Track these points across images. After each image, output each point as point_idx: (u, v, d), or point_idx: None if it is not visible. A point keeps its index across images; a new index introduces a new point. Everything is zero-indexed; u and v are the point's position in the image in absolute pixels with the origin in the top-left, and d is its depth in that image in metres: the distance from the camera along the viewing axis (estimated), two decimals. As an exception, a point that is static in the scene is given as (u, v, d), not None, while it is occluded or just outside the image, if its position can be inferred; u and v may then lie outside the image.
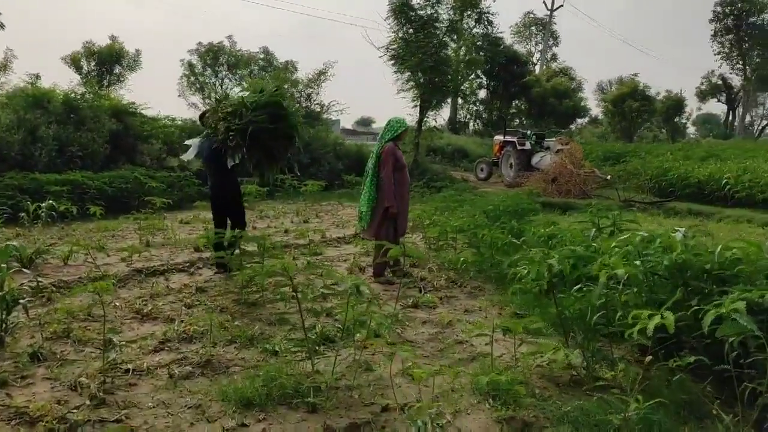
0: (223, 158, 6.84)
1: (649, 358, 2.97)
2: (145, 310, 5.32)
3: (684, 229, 4.33)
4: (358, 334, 4.40)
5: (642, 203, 13.46)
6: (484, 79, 27.09)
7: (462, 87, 20.27)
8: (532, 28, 51.26)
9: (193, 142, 7.67)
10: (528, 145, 18.20)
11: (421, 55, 18.80)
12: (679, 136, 39.65)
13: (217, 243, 6.58)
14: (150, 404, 3.51)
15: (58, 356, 4.19)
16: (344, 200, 14.86)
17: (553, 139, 19.05)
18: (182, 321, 5.00)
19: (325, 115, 21.99)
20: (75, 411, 3.35)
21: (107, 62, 29.15)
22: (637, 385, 2.89)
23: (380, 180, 6.58)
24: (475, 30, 23.52)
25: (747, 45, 53.34)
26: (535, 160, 17.97)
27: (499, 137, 20.02)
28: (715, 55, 54.26)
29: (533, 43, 50.93)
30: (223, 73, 31.78)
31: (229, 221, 7.37)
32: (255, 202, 13.97)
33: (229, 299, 5.79)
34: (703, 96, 56.16)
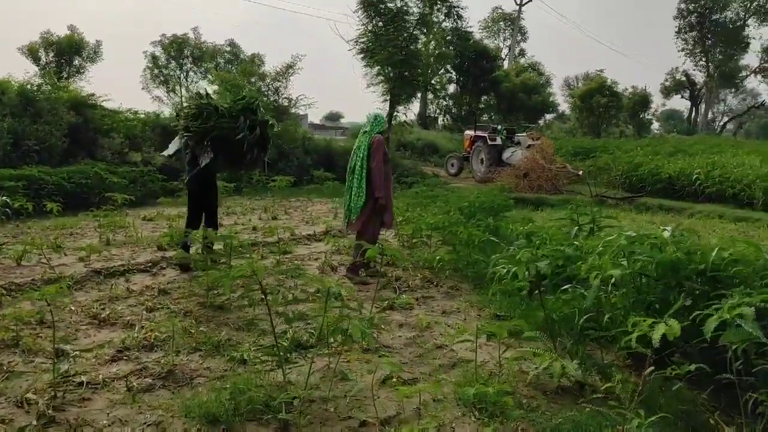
0: (195, 160, 6.94)
1: (650, 369, 2.77)
2: (102, 315, 4.97)
3: (672, 226, 4.17)
4: (332, 340, 4.15)
5: (613, 199, 13.44)
6: (454, 74, 26.94)
7: (432, 81, 20.01)
8: (500, 23, 51.44)
9: (176, 139, 7.59)
10: (499, 141, 18.09)
11: (390, 48, 18.55)
12: (644, 131, 40.15)
13: (184, 242, 6.77)
14: (105, 422, 3.20)
15: (5, 368, 3.83)
16: (313, 196, 14.55)
17: (524, 134, 18.99)
18: (143, 327, 4.67)
19: (293, 110, 21.58)
20: (20, 433, 3.02)
21: (66, 53, 28.21)
22: (636, 397, 2.68)
23: (370, 172, 6.42)
24: (444, 24, 23.39)
25: (710, 42, 54.39)
26: (506, 155, 17.87)
27: (469, 132, 19.87)
28: (678, 51, 55.37)
29: (501, 38, 51.14)
30: (188, 65, 31.11)
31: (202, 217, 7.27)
32: (222, 198, 13.56)
33: (194, 302, 5.47)
34: (667, 92, 57.13)
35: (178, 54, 31.02)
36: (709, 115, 61.33)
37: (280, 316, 4.66)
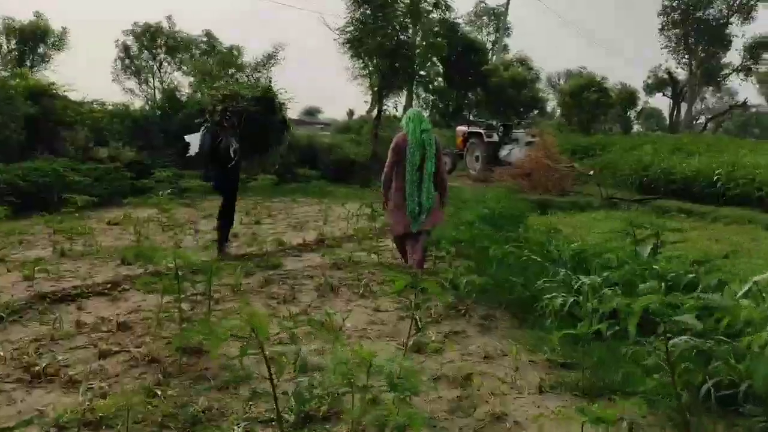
0: (223, 152, 7.36)
1: None
2: (38, 366, 3.72)
3: None
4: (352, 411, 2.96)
5: (626, 201, 12.43)
6: (440, 67, 25.79)
7: (422, 73, 18.86)
8: (484, 18, 50.41)
9: (193, 137, 7.91)
10: (495, 137, 17.00)
11: (380, 38, 17.33)
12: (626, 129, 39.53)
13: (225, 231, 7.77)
14: None
15: None
16: (298, 196, 13.30)
17: (522, 130, 17.93)
18: (90, 386, 3.46)
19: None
20: None
21: (30, 40, 26.45)
22: None
23: (440, 172, 6.56)
24: (432, 15, 22.20)
25: (693, 39, 54.07)
26: (503, 153, 16.79)
27: (462, 128, 18.77)
28: (662, 48, 54.92)
29: (485, 33, 50.07)
30: (162, 56, 29.47)
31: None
32: (199, 200, 12.26)
33: (162, 341, 4.23)
34: (649, 90, 56.65)
35: (151, 44, 29.36)
36: (692, 113, 61.08)
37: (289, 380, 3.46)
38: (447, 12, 22.56)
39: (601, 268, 4.62)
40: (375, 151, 17.51)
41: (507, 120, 23.66)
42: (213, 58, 26.10)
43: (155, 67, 29.59)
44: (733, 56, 55.69)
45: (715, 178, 12.37)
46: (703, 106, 71.14)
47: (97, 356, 4.00)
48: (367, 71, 19.35)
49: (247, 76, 18.84)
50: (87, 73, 62.47)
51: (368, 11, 18.09)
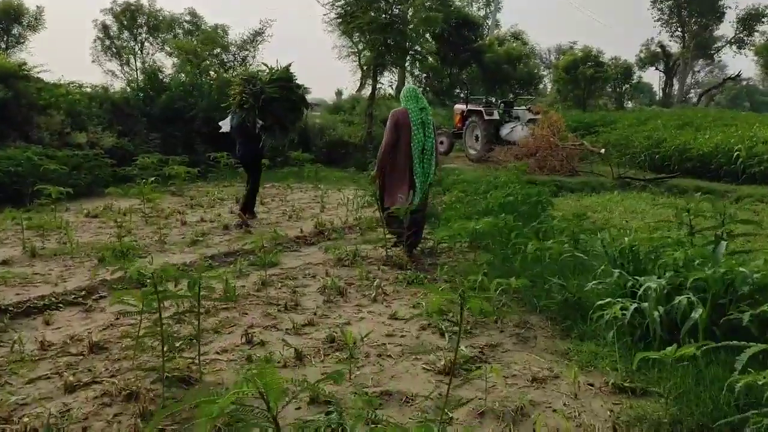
0: (248, 128, 8.41)
1: None
2: (-11, 405, 3.00)
3: None
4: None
5: (640, 181, 11.73)
6: (433, 43, 24.83)
7: (417, 48, 17.97)
8: (474, -8, 49.28)
9: (225, 121, 8.98)
10: (496, 115, 16.20)
11: (372, 12, 16.45)
12: (621, 104, 38.80)
13: (247, 202, 8.72)
14: None
15: None
16: (292, 181, 12.50)
17: (523, 107, 17.13)
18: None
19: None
20: None
21: (3, 21, 25.24)
22: None
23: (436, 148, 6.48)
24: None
25: (686, 12, 53.27)
26: (504, 131, 16.00)
27: (460, 107, 17.92)
28: (654, 22, 54.14)
29: (475, 8, 49.01)
30: (143, 35, 28.36)
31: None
32: (185, 186, 11.48)
33: (144, 370, 3.50)
34: (642, 64, 55.86)
35: (131, 23, 28.21)
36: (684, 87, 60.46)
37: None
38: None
39: (661, 268, 3.92)
40: (370, 132, 16.72)
41: (503, 97, 22.88)
42: (197, 37, 25.07)
43: (137, 47, 28.47)
44: (726, 28, 54.94)
45: (735, 154, 11.69)
46: (693, 80, 70.56)
47: (62, 390, 3.27)
48: (358, 48, 18.48)
49: (233, 54, 17.90)
50: (66, 54, 60.79)
51: (359, -17, 17.17)
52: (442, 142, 18.30)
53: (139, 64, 27.62)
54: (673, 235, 4.57)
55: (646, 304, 3.50)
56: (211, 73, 16.92)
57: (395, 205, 6.11)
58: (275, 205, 10.07)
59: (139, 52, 28.42)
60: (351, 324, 4.36)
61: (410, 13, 17.62)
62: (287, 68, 8.79)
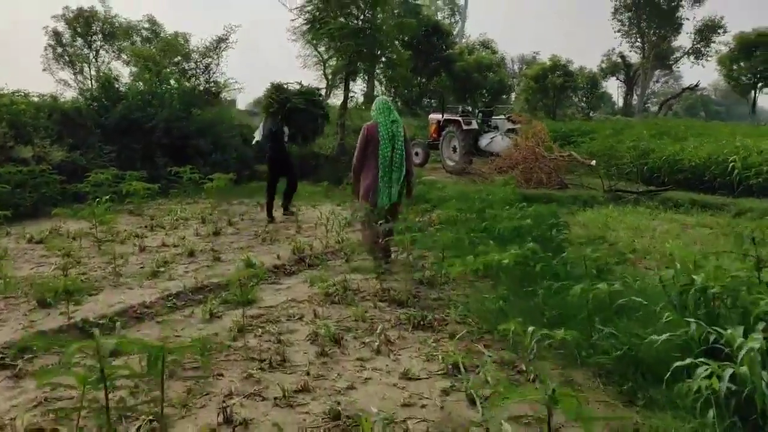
0: (279, 135, 9.37)
1: None
2: None
3: None
4: None
5: (633, 194, 11.13)
6: (405, 51, 24.15)
7: (391, 56, 17.21)
8: (439, 2, 49.07)
9: (258, 128, 9.88)
10: (475, 125, 15.50)
11: (344, 18, 15.65)
12: (588, 113, 38.78)
13: (269, 203, 9.44)
14: None
15: None
16: (261, 197, 11.49)
17: (502, 116, 16.48)
18: None
19: (223, 94, 18.32)
20: None
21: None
22: None
23: (408, 158, 6.61)
24: (392, -5, 20.58)
25: (645, 23, 54.00)
26: (483, 142, 15.30)
27: (435, 116, 17.16)
28: (615, 32, 54.72)
29: (440, 17, 48.72)
30: (98, 43, 26.96)
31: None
32: (145, 204, 10.43)
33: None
34: (604, 74, 56.37)
35: (85, 30, 26.79)
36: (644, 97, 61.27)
37: None
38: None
39: (739, 314, 3.18)
40: (342, 143, 15.87)
41: (474, 105, 22.27)
42: (156, 45, 23.86)
43: (91, 55, 27.04)
44: (684, 39, 55.82)
45: (730, 165, 11.20)
46: (650, 90, 71.67)
47: None
48: (328, 55, 17.66)
49: (195, 62, 16.86)
50: (13, 63, 58.22)
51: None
52: (417, 154, 17.52)
53: (93, 73, 26.23)
54: (729, 264, 3.84)
55: (744, 369, 2.72)
56: (172, 81, 15.83)
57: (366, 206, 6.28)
58: (245, 226, 9.11)
59: (93, 60, 27.02)
60: (355, 388, 3.50)
61: (380, 19, 16.90)
62: (315, 88, 11.06)
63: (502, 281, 5.10)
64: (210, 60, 16.46)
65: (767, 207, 9.44)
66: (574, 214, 9.04)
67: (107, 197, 9.44)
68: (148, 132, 12.94)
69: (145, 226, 8.82)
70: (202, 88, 16.39)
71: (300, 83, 9.52)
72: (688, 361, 2.91)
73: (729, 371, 2.75)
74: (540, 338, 3.55)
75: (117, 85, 14.21)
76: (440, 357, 3.89)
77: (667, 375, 2.94)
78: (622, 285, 3.75)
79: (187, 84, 15.78)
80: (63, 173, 10.58)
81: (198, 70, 16.94)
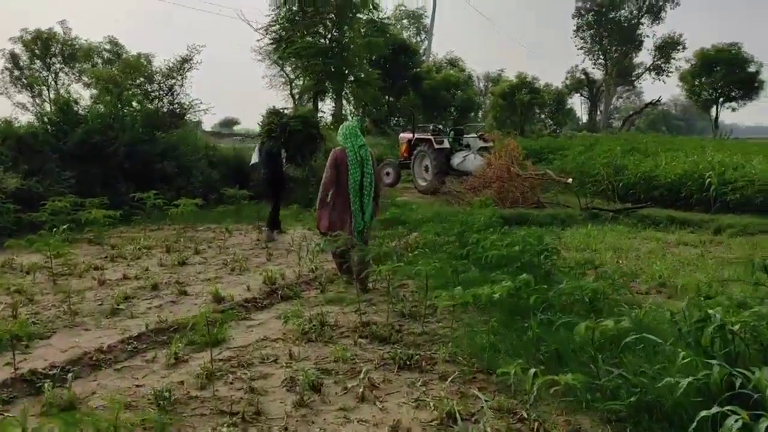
0: (276, 157, 10.02)
1: None
2: None
3: None
4: None
5: (610, 212, 10.97)
6: (374, 70, 23.97)
7: (360, 74, 16.98)
8: (404, 21, 49.22)
9: (255, 151, 10.51)
10: (446, 143, 15.29)
11: (311, 37, 15.38)
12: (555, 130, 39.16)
13: (274, 219, 9.96)
14: None
15: None
16: (229, 223, 11.02)
17: (474, 135, 16.31)
18: None
19: (188, 116, 17.79)
20: None
21: None
22: None
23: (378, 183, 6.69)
24: (359, 15, 20.41)
25: (606, 40, 55.09)
26: (456, 161, 15.09)
27: (406, 135, 16.94)
28: (578, 50, 55.74)
29: (406, 36, 48.90)
30: (57, 65, 26.20)
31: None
32: (106, 232, 9.90)
33: None
34: (568, 91, 57.24)
35: (44, 52, 26.03)
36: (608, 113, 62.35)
37: None
38: (375, 11, 20.95)
39: (763, 355, 2.90)
40: (311, 165, 15.48)
41: (443, 124, 22.11)
42: (118, 66, 23.25)
43: (50, 78, 26.25)
44: (645, 56, 57.24)
45: (707, 181, 11.14)
46: (612, 106, 73.07)
47: None
48: (295, 75, 17.35)
49: (159, 83, 16.34)
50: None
51: (295, 7, 16.11)
52: (388, 173, 17.26)
53: (52, 96, 25.45)
54: (738, 292, 3.59)
55: (780, 419, 2.43)
56: (134, 104, 15.31)
57: (333, 233, 6.03)
58: (213, 254, 8.65)
59: (53, 82, 26.24)
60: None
61: (348, 38, 16.69)
62: (310, 109, 11.25)
63: (492, 314, 4.77)
64: (174, 81, 15.95)
65: (746, 223, 9.35)
66: (560, 238, 8.68)
67: (65, 226, 8.94)
68: (109, 156, 12.38)
69: (106, 257, 8.30)
70: (165, 110, 15.86)
71: (296, 106, 10.95)
72: (715, 409, 2.60)
73: (765, 423, 2.45)
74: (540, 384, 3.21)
75: (76, 108, 13.64)
76: (431, 404, 3.53)
77: (693, 425, 2.63)
78: (627, 320, 3.44)
79: (150, 106, 15.25)
80: (18, 202, 10.01)
81: (161, 92, 16.41)
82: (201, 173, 14.10)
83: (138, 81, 17.45)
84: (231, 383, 3.96)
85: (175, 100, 16.02)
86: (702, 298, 3.42)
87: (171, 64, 16.24)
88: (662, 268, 6.39)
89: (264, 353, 4.50)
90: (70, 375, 3.94)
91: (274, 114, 11.57)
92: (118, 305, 5.78)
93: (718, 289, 4.46)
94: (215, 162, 15.26)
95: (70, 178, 11.55)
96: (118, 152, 12.50)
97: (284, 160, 10.32)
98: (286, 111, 11.19)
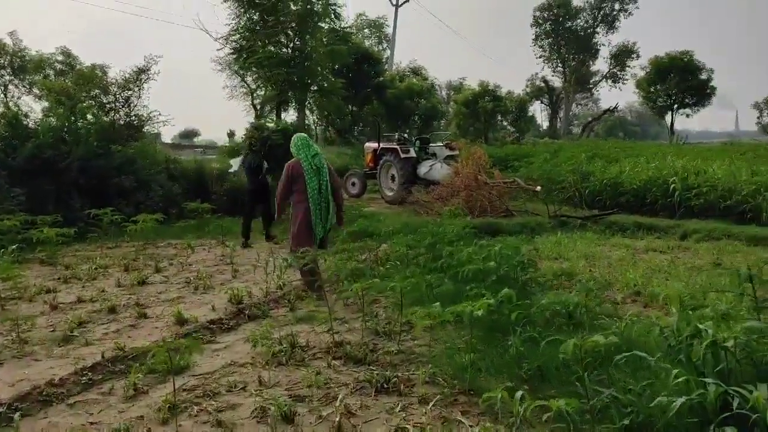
0: (258, 169, 10.61)
1: None
2: None
3: None
4: None
5: (578, 219, 10.93)
6: (338, 80, 23.77)
7: (323, 84, 16.75)
8: (365, 30, 49.22)
9: (235, 161, 12.02)
10: (413, 152, 15.15)
11: (272, 47, 15.10)
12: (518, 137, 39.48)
13: (246, 227, 10.39)
14: None
15: None
16: (191, 238, 10.65)
17: (440, 143, 16.21)
18: None
19: (146, 128, 17.26)
20: None
21: None
22: None
23: (336, 191, 6.88)
24: (320, 24, 20.22)
25: (564, 49, 56.09)
26: (422, 170, 14.94)
27: (371, 144, 16.74)
28: (537, 58, 56.63)
29: (367, 45, 48.88)
30: (7, 77, 25.28)
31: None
32: (60, 251, 9.44)
33: None
34: (529, 98, 57.98)
35: (-8, 64, 25.15)
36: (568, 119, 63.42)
37: None
38: (337, 21, 20.78)
39: (756, 371, 2.77)
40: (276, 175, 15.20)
41: (407, 132, 22.01)
42: (71, 78, 22.53)
43: (-1, 90, 25.35)
44: (602, 64, 58.38)
45: (671, 187, 11.21)
46: (572, 113, 74.40)
47: None
48: (256, 85, 17.02)
49: (114, 95, 15.81)
50: None
51: (255, 16, 15.82)
52: (354, 184, 17.04)
53: (1, 109, 24.52)
54: (723, 304, 3.47)
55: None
56: (89, 116, 14.77)
57: (302, 250, 6.00)
58: (175, 272, 8.29)
59: (2, 95, 25.30)
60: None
61: (310, 47, 16.46)
62: (290, 123, 12.69)
63: (471, 330, 4.58)
64: (130, 92, 15.45)
65: (711, 228, 9.41)
66: (537, 249, 8.47)
67: (14, 246, 8.48)
68: (62, 171, 11.86)
69: (59, 278, 7.86)
70: (122, 122, 15.34)
71: (276, 120, 11.66)
72: (713, 432, 2.45)
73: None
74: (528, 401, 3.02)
75: (26, 122, 13.09)
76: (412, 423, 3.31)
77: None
78: (614, 335, 3.28)
79: (106, 118, 14.74)
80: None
81: (117, 104, 15.86)
82: (161, 187, 13.64)
83: (93, 93, 16.88)
84: (196, 416, 3.67)
85: (132, 112, 15.50)
86: (688, 311, 3.27)
87: (127, 75, 15.72)
88: (636, 276, 6.31)
89: (231, 380, 4.21)
90: (17, 414, 3.61)
91: (255, 129, 12.53)
92: (71, 331, 5.42)
93: (700, 300, 4.37)
94: (176, 175, 14.80)
95: (19, 195, 11.02)
96: (72, 167, 12.00)
97: (264, 172, 10.69)
98: (268, 125, 12.18)
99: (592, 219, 10.93)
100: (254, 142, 11.95)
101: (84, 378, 4.29)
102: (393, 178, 15.44)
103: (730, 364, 2.92)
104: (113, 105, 16.02)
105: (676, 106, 42.60)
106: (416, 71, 33.30)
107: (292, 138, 7.04)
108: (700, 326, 2.96)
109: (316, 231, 6.60)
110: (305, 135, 7.10)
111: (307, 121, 24.63)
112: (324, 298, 5.75)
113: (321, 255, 6.67)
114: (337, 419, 3.48)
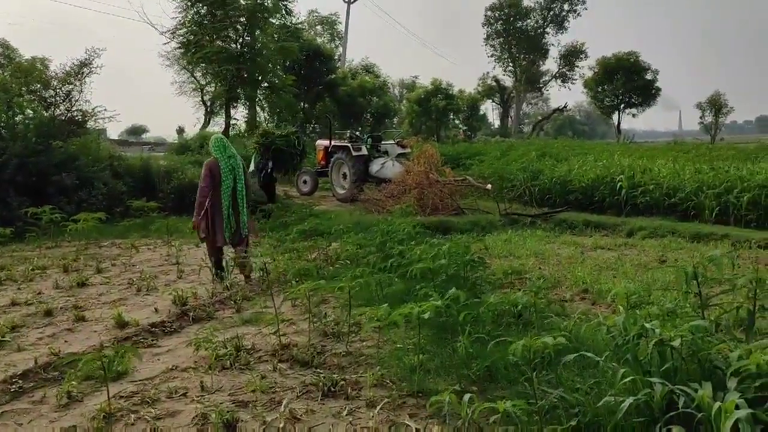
0: (263, 170, 13.13)
1: None
2: None
3: None
4: None
5: (528, 217, 11.05)
6: (289, 76, 23.46)
7: (274, 80, 16.50)
8: (318, 27, 48.82)
9: (253, 160, 13.73)
10: (364, 150, 15.05)
11: (221, 42, 14.79)
12: (470, 135, 39.86)
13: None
14: None
15: None
16: (135, 237, 10.32)
17: (391, 141, 16.17)
18: None
19: (90, 124, 16.65)
20: None
21: None
22: None
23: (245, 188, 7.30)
24: (271, 20, 19.92)
25: (515, 48, 56.88)
26: (374, 168, 14.85)
27: (323, 142, 16.59)
28: (488, 57, 57.22)
29: (320, 42, 48.52)
30: (-61, 71, 23.99)
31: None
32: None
33: None
34: (480, 97, 58.58)
35: None
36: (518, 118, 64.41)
37: None
38: (288, 16, 20.53)
39: (701, 370, 2.79)
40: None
41: (358, 131, 21.92)
42: (9, 70, 21.57)
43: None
44: (552, 64, 59.36)
45: (618, 185, 11.44)
46: (522, 112, 75.65)
47: None
48: (200, 84, 16.65)
49: (55, 89, 15.20)
50: None
51: (202, 10, 15.46)
52: (305, 182, 16.86)
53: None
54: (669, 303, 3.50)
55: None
56: (28, 111, 14.18)
57: (218, 244, 7.20)
58: (117, 272, 7.99)
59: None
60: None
61: (260, 43, 16.18)
62: (294, 131, 15.37)
63: (420, 330, 4.52)
64: (72, 86, 14.88)
65: (656, 225, 9.64)
66: (487, 248, 8.48)
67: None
68: (-2, 169, 11.36)
69: (23, 277, 7.50)
70: (63, 117, 14.77)
71: (281, 126, 12.77)
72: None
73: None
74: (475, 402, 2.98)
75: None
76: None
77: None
78: (562, 335, 3.27)
79: (46, 113, 14.17)
80: None
81: (58, 98, 15.26)
82: (104, 185, 13.18)
83: (32, 87, 16.21)
84: (132, 424, 3.51)
85: (74, 107, 14.93)
86: (635, 309, 3.28)
87: (68, 69, 15.14)
88: (584, 274, 6.38)
89: (172, 386, 4.05)
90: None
91: (263, 134, 14.65)
92: (2, 337, 5.14)
93: (645, 297, 4.43)
94: (121, 172, 14.31)
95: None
96: (9, 164, 11.50)
97: (270, 171, 13.20)
98: (276, 132, 15.04)
99: (542, 217, 11.07)
100: (260, 146, 14.20)
101: (14, 386, 4.06)
102: (345, 175, 15.33)
103: (676, 363, 2.93)
104: (54, 100, 15.42)
105: (622, 105, 43.73)
106: (369, 69, 33.23)
107: (211, 139, 7.58)
108: (647, 325, 2.96)
109: (225, 225, 7.07)
110: (223, 136, 7.75)
111: (258, 119, 24.27)
112: (225, 278, 6.82)
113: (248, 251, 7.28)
114: (282, 425, 3.38)
